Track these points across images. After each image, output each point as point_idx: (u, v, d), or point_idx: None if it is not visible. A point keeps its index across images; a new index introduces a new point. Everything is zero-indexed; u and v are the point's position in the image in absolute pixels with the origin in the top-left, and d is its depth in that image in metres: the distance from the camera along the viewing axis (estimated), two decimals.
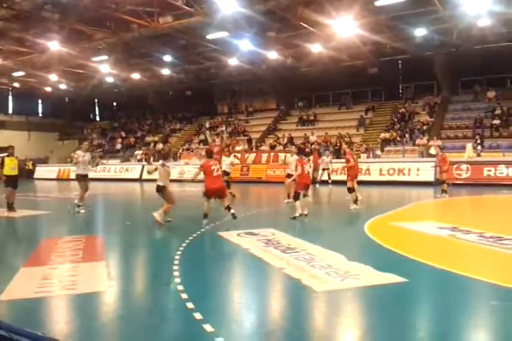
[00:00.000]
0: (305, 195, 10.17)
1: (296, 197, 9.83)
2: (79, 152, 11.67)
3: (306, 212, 9.88)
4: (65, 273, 5.35)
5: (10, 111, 38.75)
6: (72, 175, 31.86)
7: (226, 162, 14.36)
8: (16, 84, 34.18)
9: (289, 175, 12.76)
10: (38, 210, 11.26)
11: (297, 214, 9.58)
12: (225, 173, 15.50)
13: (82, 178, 11.47)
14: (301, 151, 11.34)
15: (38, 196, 19.32)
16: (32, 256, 6.51)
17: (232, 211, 9.02)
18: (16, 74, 29.79)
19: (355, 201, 11.25)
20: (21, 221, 10.63)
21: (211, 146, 14.65)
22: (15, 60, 26.12)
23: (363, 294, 4.56)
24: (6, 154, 11.62)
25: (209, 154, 9.65)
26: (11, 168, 11.42)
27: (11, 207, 11.29)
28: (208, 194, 9.09)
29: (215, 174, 8.95)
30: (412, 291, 4.72)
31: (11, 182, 11.39)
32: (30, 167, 33.87)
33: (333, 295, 4.51)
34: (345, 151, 12.12)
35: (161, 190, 9.22)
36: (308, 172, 10.37)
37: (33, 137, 38.09)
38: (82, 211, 11.22)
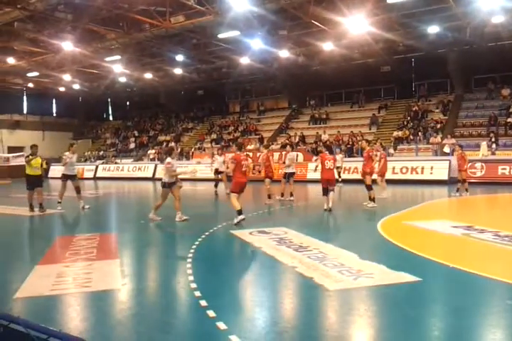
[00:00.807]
0: (330, 190, 10.57)
1: (324, 192, 10.54)
2: (67, 153, 11.98)
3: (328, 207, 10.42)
4: (80, 271, 5.41)
5: (25, 111, 39.23)
6: (87, 174, 32.36)
7: (219, 160, 15.41)
8: (31, 85, 34.60)
9: (285, 175, 13.36)
10: (52, 209, 11.37)
11: (326, 207, 10.37)
12: (217, 172, 15.79)
13: (66, 178, 11.92)
14: (327, 148, 12.16)
15: (52, 195, 19.52)
16: (47, 254, 6.59)
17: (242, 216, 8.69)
18: (30, 74, 30.15)
19: (373, 199, 11.30)
20: (36, 219, 10.77)
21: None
22: (29, 60, 26.44)
23: (375, 293, 4.54)
24: (30, 153, 11.81)
25: (239, 146, 9.72)
26: (34, 167, 11.54)
27: (41, 206, 11.38)
28: (237, 189, 8.90)
29: (244, 169, 8.89)
30: (425, 290, 4.68)
31: (37, 181, 11.58)
32: (45, 166, 34.20)
33: (345, 294, 4.49)
34: (367, 149, 12.28)
35: (163, 186, 9.53)
36: (330, 169, 10.64)
37: (47, 137, 38.53)
38: (88, 206, 11.92)
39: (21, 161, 32.07)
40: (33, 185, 11.46)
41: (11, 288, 4.80)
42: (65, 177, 11.95)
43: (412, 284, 4.69)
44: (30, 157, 11.55)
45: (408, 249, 6.31)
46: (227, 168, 9.60)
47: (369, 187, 11.50)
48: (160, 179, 10.46)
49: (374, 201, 11.36)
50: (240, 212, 8.62)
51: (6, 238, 8.57)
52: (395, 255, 6.16)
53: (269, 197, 12.77)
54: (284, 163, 14.89)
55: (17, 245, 7.86)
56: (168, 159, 9.56)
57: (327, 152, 11.21)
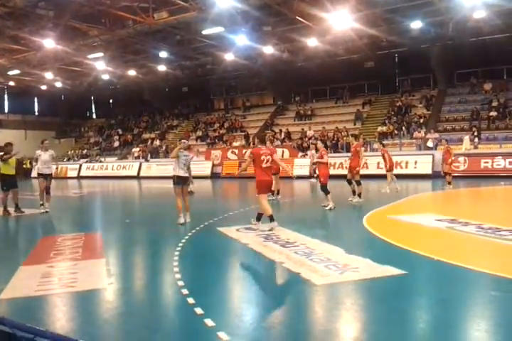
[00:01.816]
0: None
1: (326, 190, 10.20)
2: (38, 151, 11.32)
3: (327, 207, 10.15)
4: (65, 271, 5.35)
5: (6, 110, 38.60)
6: (70, 173, 31.99)
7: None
8: (12, 83, 34.06)
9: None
10: (36, 209, 11.22)
11: (331, 206, 10.00)
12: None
13: (43, 177, 11.16)
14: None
15: (35, 195, 19.29)
16: (31, 254, 6.50)
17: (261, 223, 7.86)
18: (11, 72, 29.66)
19: (359, 194, 11.39)
20: (19, 219, 10.61)
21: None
22: (10, 58, 26.02)
23: (362, 287, 4.58)
24: (4, 152, 11.13)
25: (262, 139, 8.45)
26: (11, 166, 11.03)
27: (17, 207, 11.01)
28: (262, 189, 7.80)
29: (264, 165, 7.71)
30: (411, 283, 4.74)
31: (13, 182, 11.03)
32: (28, 165, 33.78)
33: (332, 289, 4.53)
34: (354, 144, 12.38)
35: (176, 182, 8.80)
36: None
37: (29, 136, 37.97)
38: (47, 210, 11.01)
39: None
40: (9, 186, 10.93)
41: None
42: (40, 177, 11.23)
43: (397, 277, 4.74)
44: (6, 156, 10.90)
45: (393, 242, 6.37)
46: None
47: (357, 182, 11.59)
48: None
49: (360, 196, 11.45)
50: (272, 218, 7.56)
51: None
52: (380, 249, 6.22)
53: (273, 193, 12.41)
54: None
55: (0, 246, 7.75)
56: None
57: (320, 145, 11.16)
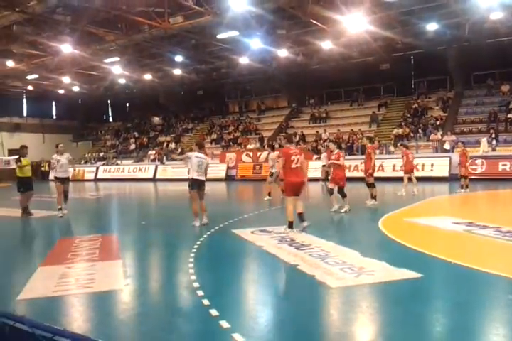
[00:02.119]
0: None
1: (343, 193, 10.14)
2: (54, 156, 11.18)
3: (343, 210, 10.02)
4: (82, 272, 5.42)
5: (24, 113, 39.27)
6: (87, 176, 32.40)
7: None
8: (30, 87, 34.66)
9: (271, 175, 13.36)
10: (54, 211, 11.38)
11: (347, 209, 9.94)
12: None
13: (61, 181, 11.10)
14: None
15: (53, 197, 19.57)
16: (49, 255, 6.60)
17: (306, 223, 7.54)
18: (29, 77, 30.19)
19: (375, 197, 11.31)
20: (37, 221, 10.79)
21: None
22: (28, 63, 26.49)
23: (377, 290, 4.55)
24: (19, 155, 11.33)
25: (290, 138, 8.18)
26: (26, 169, 11.18)
27: (27, 211, 11.12)
28: (290, 191, 7.51)
29: (293, 165, 7.43)
30: (427, 287, 4.69)
31: (28, 184, 11.18)
32: (46, 168, 34.32)
33: (348, 292, 4.50)
34: (368, 146, 12.28)
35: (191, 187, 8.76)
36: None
37: (47, 139, 38.54)
38: (64, 212, 10.95)
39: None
40: (26, 188, 11.09)
41: (14, 290, 4.81)
42: (57, 181, 11.14)
43: (413, 280, 4.70)
44: (22, 159, 11.07)
45: (409, 245, 6.31)
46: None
47: (371, 185, 11.52)
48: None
49: (375, 199, 11.38)
50: (290, 225, 7.43)
51: (8, 240, 8.59)
52: (396, 252, 6.17)
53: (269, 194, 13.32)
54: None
55: (19, 247, 7.88)
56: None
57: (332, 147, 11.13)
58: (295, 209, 7.50)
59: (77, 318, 4.08)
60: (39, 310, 4.30)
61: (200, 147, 9.01)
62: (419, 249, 6.07)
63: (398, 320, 3.77)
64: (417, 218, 8.87)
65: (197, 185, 8.54)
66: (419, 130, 24.13)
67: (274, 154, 13.93)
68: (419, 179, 17.83)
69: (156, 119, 13.15)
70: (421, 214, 9.62)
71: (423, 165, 20.22)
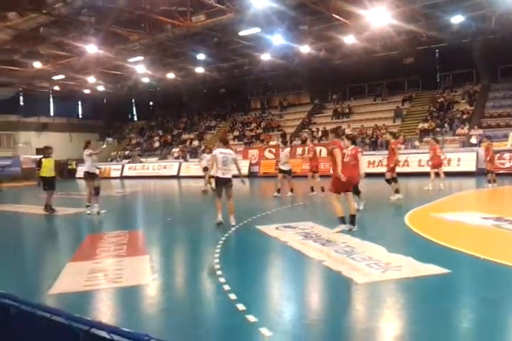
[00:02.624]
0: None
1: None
2: (90, 150, 11.35)
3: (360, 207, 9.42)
4: (111, 267, 5.54)
5: (51, 113, 40.13)
6: (113, 174, 32.94)
7: (207, 158, 14.83)
8: (56, 87, 35.38)
9: (280, 170, 13.48)
10: (82, 208, 11.62)
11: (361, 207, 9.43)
12: (205, 169, 15.33)
13: (89, 177, 11.25)
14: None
15: (80, 194, 19.95)
16: (77, 251, 6.76)
17: (355, 228, 7.17)
18: (55, 77, 30.81)
19: (397, 190, 11.20)
20: (65, 218, 11.03)
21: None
22: (54, 63, 27.03)
23: (404, 286, 4.51)
24: (43, 155, 11.72)
25: (339, 133, 7.56)
26: (49, 169, 11.47)
27: (50, 208, 11.40)
28: (336, 188, 7.18)
29: (346, 159, 7.23)
30: (455, 282, 4.63)
31: (51, 183, 11.48)
32: (74, 166, 35.06)
33: (374, 287, 4.48)
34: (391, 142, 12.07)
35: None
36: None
37: (74, 138, 39.27)
38: (94, 210, 10.95)
39: None
40: (49, 187, 11.41)
41: (44, 285, 4.95)
42: (88, 176, 11.24)
43: (441, 276, 4.64)
44: (44, 160, 11.43)
45: (437, 241, 6.23)
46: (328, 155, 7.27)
47: (392, 180, 11.36)
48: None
49: (398, 192, 11.23)
50: (342, 220, 7.12)
51: (38, 237, 8.83)
52: (423, 247, 6.09)
53: (312, 189, 13.31)
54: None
55: (47, 243, 8.09)
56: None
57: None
58: (349, 209, 7.17)
59: (105, 312, 4.18)
60: (70, 304, 4.39)
61: (224, 143, 8.74)
62: (447, 244, 5.98)
63: (425, 317, 3.73)
64: (443, 213, 8.72)
65: (221, 183, 8.33)
66: (445, 124, 23.68)
67: (287, 150, 13.91)
68: (446, 174, 17.54)
69: (109, 140, 13.21)
70: (448, 210, 9.47)
71: (449, 160, 19.84)
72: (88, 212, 10.98)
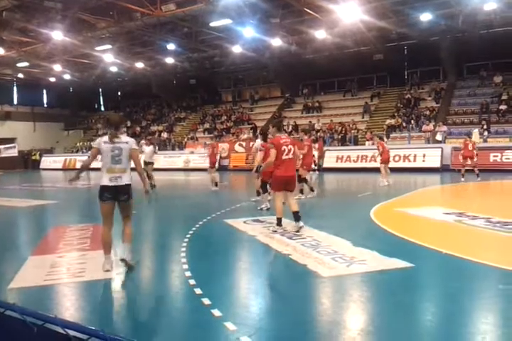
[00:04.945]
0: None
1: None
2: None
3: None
4: (74, 261, 5.41)
5: (15, 101, 38.80)
6: (79, 165, 32.19)
7: (146, 151, 14.40)
8: (21, 75, 34.19)
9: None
10: (45, 200, 11.32)
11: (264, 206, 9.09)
12: (145, 163, 14.69)
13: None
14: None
15: (44, 186, 19.46)
16: (40, 244, 6.58)
17: (301, 223, 6.82)
18: (20, 64, 29.77)
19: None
20: (29, 210, 10.72)
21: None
22: (19, 50, 26.08)
23: (369, 279, 4.58)
24: None
25: (279, 126, 7.22)
26: None
27: None
28: (277, 186, 6.84)
29: (284, 157, 6.65)
30: (418, 276, 4.73)
31: None
32: (37, 157, 34.09)
33: (339, 281, 4.53)
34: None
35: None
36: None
37: (38, 127, 38.20)
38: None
39: (13, 153, 31.99)
40: None
41: (5, 279, 4.79)
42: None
43: (404, 270, 4.74)
44: None
45: (400, 235, 6.36)
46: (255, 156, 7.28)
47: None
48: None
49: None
50: (279, 221, 6.82)
51: (0, 229, 8.53)
52: (387, 242, 6.20)
53: (312, 190, 11.23)
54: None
55: (9, 236, 7.83)
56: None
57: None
58: (289, 207, 6.86)
59: (68, 307, 4.08)
60: (30, 298, 4.29)
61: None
62: (411, 238, 6.11)
63: (389, 309, 3.80)
64: (407, 208, 8.93)
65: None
66: (412, 121, 24.19)
67: (258, 143, 11.96)
68: (411, 170, 17.98)
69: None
70: (412, 205, 9.69)
71: (415, 156, 20.31)
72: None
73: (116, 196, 4.90)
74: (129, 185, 4.96)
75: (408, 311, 3.75)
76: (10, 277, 4.78)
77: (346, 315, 3.78)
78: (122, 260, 4.82)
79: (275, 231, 6.76)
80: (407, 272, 4.71)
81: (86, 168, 5.24)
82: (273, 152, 6.63)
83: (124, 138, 5.06)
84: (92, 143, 5.03)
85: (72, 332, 1.68)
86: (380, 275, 4.63)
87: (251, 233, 6.77)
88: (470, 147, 14.70)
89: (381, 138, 15.21)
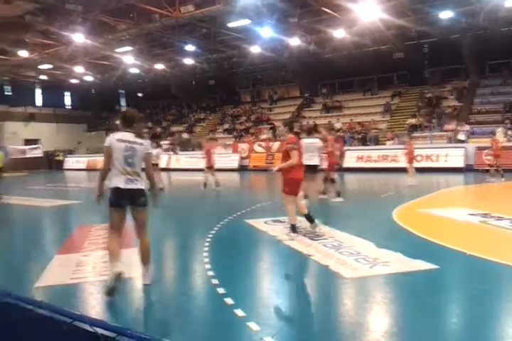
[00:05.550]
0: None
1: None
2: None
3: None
4: (99, 260, 5.50)
5: (38, 103, 39.55)
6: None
7: (153, 153, 14.65)
8: (44, 77, 34.82)
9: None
10: (70, 200, 11.52)
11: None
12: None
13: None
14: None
15: (68, 186, 19.80)
16: (65, 243, 6.71)
17: (317, 222, 6.74)
18: (42, 66, 30.33)
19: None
20: (53, 210, 10.93)
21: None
22: (41, 52, 26.58)
23: (392, 281, 4.54)
24: None
25: (291, 126, 6.75)
26: None
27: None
28: (291, 189, 6.51)
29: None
30: (443, 278, 4.67)
31: None
32: (61, 158, 34.70)
33: (362, 282, 4.51)
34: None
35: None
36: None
37: (61, 129, 38.84)
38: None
39: (38, 153, 32.68)
40: None
41: (32, 277, 4.90)
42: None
43: (429, 272, 4.68)
44: None
45: (424, 236, 6.28)
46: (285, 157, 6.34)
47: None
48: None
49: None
50: (294, 228, 6.51)
51: (27, 228, 8.72)
52: (411, 243, 6.14)
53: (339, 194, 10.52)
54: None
55: (35, 235, 8.00)
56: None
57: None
58: (300, 210, 6.66)
59: (94, 305, 4.15)
60: (57, 296, 4.38)
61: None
62: (434, 240, 6.03)
63: (413, 311, 3.77)
64: (431, 209, 8.80)
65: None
66: (433, 120, 23.85)
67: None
68: (434, 170, 17.71)
69: None
70: (435, 205, 9.55)
71: (437, 156, 20.01)
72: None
73: (132, 200, 4.39)
74: (144, 189, 4.46)
75: (433, 313, 3.70)
76: (37, 275, 4.90)
77: (369, 317, 3.76)
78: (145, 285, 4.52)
79: (292, 239, 6.32)
80: (431, 274, 4.65)
81: (104, 178, 4.55)
82: (296, 153, 6.38)
83: (140, 139, 4.50)
84: (104, 144, 4.43)
85: (100, 330, 1.71)
86: (404, 277, 4.59)
87: (272, 233, 6.78)
88: (496, 146, 14.58)
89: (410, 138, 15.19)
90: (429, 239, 6.13)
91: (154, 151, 14.41)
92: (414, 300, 4.02)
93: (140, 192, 4.40)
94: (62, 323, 1.84)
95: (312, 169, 8.59)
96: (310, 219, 6.65)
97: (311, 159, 8.54)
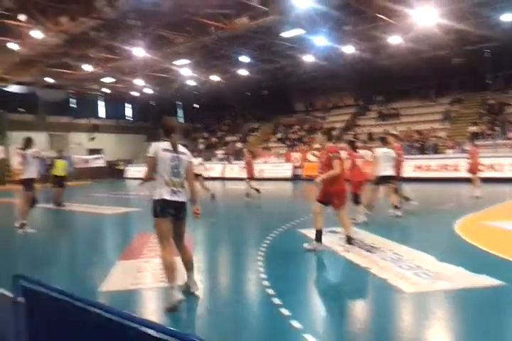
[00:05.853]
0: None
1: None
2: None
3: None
4: (157, 267, 5.65)
5: (101, 115, 41.52)
6: None
7: (195, 163, 14.54)
8: (106, 90, 36.58)
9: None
10: (130, 207, 11.95)
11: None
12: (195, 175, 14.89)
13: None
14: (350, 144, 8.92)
15: (129, 194, 20.56)
16: (126, 250, 6.96)
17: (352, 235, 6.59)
18: (105, 80, 31.85)
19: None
20: (114, 217, 11.38)
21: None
22: (104, 66, 27.94)
23: (455, 297, 4.35)
24: (57, 156, 14.02)
25: (330, 135, 6.94)
26: (61, 169, 13.50)
27: (60, 204, 13.00)
28: (322, 197, 6.57)
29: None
30: (509, 295, 4.42)
31: (60, 182, 13.31)
32: (122, 167, 36.21)
33: (422, 297, 4.35)
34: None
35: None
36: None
37: (122, 139, 40.42)
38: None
39: (100, 163, 34.30)
40: (58, 185, 13.28)
41: (96, 282, 5.12)
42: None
43: (494, 288, 4.45)
44: (57, 160, 13.67)
45: (489, 250, 5.98)
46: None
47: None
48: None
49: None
50: (349, 239, 6.45)
51: (90, 235, 9.14)
52: (474, 257, 5.86)
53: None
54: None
55: (98, 242, 8.36)
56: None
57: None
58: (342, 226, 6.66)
59: (153, 311, 4.27)
60: (119, 302, 4.53)
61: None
62: (500, 254, 5.73)
63: (476, 330, 3.59)
64: (496, 221, 8.37)
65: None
66: (496, 128, 22.72)
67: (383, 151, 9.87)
68: (498, 180, 16.85)
69: None
70: (501, 218, 9.06)
71: (501, 166, 19.03)
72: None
73: (176, 213, 4.45)
74: (186, 203, 4.55)
75: (498, 333, 3.51)
76: (100, 280, 5.12)
77: (430, 333, 3.63)
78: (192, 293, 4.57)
79: (311, 249, 6.30)
80: (497, 290, 4.42)
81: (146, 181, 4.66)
82: (338, 163, 6.31)
83: (182, 148, 4.61)
84: (147, 154, 4.51)
85: (165, 337, 1.76)
86: (467, 293, 4.39)
87: (327, 244, 6.70)
88: None
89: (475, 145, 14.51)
90: (495, 253, 5.82)
91: (195, 160, 14.85)
92: (477, 318, 3.84)
93: (183, 205, 4.50)
94: (128, 328, 1.90)
95: (387, 179, 8.50)
96: (349, 240, 6.46)
97: (387, 169, 8.46)
